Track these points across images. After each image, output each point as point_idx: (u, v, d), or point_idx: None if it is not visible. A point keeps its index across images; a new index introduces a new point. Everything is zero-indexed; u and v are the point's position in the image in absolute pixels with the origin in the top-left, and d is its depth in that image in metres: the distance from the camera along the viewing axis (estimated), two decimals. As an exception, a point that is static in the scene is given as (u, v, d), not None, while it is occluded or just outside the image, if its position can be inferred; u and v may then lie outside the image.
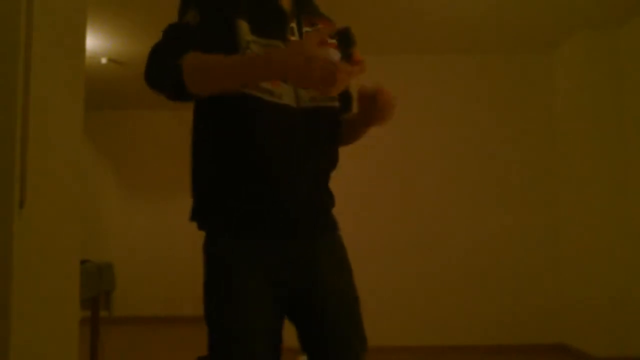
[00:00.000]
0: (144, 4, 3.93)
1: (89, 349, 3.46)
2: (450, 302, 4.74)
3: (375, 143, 4.37)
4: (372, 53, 4.38)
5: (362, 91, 1.27)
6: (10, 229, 1.72)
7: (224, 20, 1.18)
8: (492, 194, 4.85)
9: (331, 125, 1.33)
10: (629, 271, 4.18)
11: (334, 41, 1.20)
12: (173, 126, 6.90)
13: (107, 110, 6.75)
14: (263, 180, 1.22)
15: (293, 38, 1.26)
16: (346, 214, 1.41)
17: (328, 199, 1.34)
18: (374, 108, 1.26)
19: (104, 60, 5.03)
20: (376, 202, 4.78)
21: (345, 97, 1.40)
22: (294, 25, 1.28)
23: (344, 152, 1.39)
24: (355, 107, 1.39)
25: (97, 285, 3.32)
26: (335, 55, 1.06)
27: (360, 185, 4.66)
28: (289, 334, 1.31)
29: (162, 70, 1.14)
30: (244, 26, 1.18)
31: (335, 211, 1.36)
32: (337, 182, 1.46)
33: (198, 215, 1.28)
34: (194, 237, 7.10)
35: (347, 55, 1.15)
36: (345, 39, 1.15)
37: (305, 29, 1.30)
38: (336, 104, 1.33)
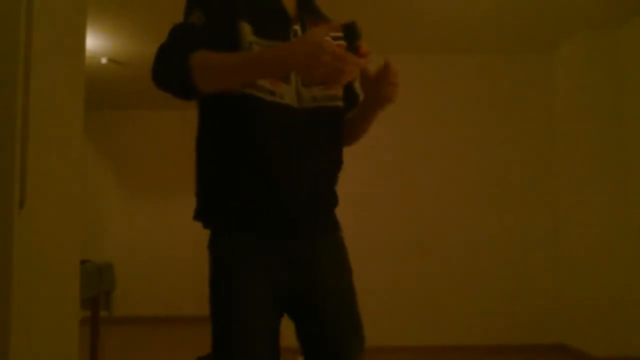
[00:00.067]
0: (144, 4, 3.93)
1: (89, 349, 3.46)
2: (450, 302, 4.74)
3: (375, 143, 4.37)
4: (372, 53, 4.36)
5: (366, 72, 1.27)
6: (10, 229, 1.72)
7: (227, 22, 1.19)
8: (492, 194, 4.85)
9: (333, 125, 1.33)
10: (629, 271, 4.18)
11: (342, 42, 1.20)
12: (173, 126, 6.91)
13: (107, 110, 6.76)
14: (263, 180, 1.22)
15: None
16: (346, 214, 1.41)
17: (330, 199, 1.34)
18: (381, 84, 1.24)
19: (104, 60, 5.03)
20: (376, 202, 4.78)
21: (350, 95, 1.41)
22: (297, 27, 1.29)
23: (344, 151, 1.39)
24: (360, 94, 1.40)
25: (97, 285, 3.32)
26: (342, 48, 1.08)
27: (360, 185, 4.66)
28: (289, 334, 1.31)
29: (170, 69, 1.15)
30: (246, 28, 1.19)
31: (336, 211, 1.37)
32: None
33: (201, 214, 1.29)
34: (193, 237, 7.13)
35: (354, 48, 1.15)
36: (351, 33, 1.15)
37: None
38: (339, 103, 1.34)
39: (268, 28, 1.22)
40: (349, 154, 1.39)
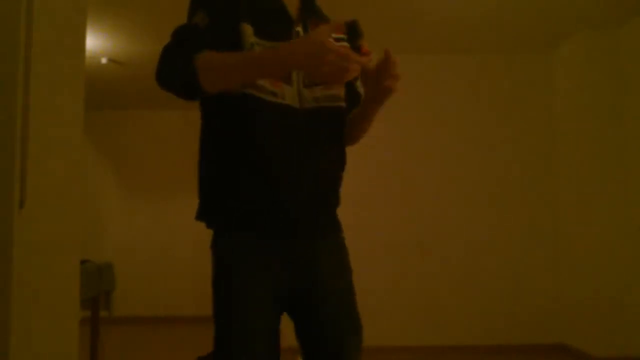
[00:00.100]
0: (144, 4, 3.93)
1: (89, 349, 3.46)
2: (450, 302, 4.74)
3: (375, 143, 4.37)
4: (372, 52, 4.36)
5: (367, 68, 1.25)
6: (10, 229, 1.72)
7: (230, 23, 1.20)
8: (492, 194, 4.85)
9: (334, 125, 1.33)
10: (629, 271, 4.18)
11: (345, 43, 1.20)
12: (173, 126, 6.91)
13: (107, 110, 6.76)
14: (263, 180, 1.22)
15: None
16: (346, 214, 1.42)
17: (330, 199, 1.34)
18: (382, 77, 1.23)
19: (104, 60, 5.03)
20: (376, 202, 4.79)
21: (353, 94, 1.41)
22: (299, 29, 1.29)
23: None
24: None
25: (97, 285, 3.32)
26: (345, 47, 1.09)
27: (360, 185, 4.66)
28: (289, 334, 1.31)
29: (174, 70, 1.17)
30: (248, 29, 1.20)
31: (336, 211, 1.36)
32: (337, 182, 1.45)
33: (202, 214, 1.30)
34: (193, 237, 7.13)
35: (356, 47, 1.16)
36: (353, 32, 1.15)
37: None
38: (341, 104, 1.34)
39: (270, 29, 1.23)
40: (349, 153, 1.39)
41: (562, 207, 4.79)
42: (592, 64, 4.47)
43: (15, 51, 1.76)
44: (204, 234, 1.34)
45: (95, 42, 4.60)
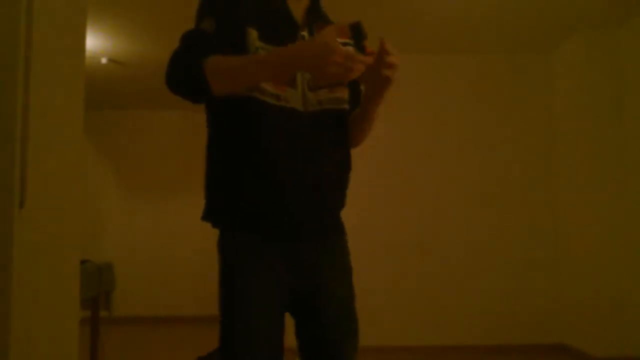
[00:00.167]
0: (144, 4, 3.93)
1: (89, 349, 3.46)
2: (450, 302, 4.74)
3: (375, 143, 4.35)
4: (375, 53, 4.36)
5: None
6: (10, 229, 1.72)
7: (236, 28, 1.23)
8: (492, 194, 4.85)
9: (338, 128, 1.34)
10: (629, 271, 4.18)
11: (350, 47, 1.21)
12: (173, 126, 6.91)
13: (107, 110, 6.76)
14: (267, 183, 1.24)
15: None
16: (346, 214, 1.42)
17: (335, 202, 1.35)
18: (380, 67, 1.22)
19: (104, 60, 5.03)
20: (376, 202, 4.78)
21: (357, 95, 1.42)
22: (305, 33, 1.31)
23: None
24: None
25: (97, 285, 3.32)
26: (350, 48, 1.12)
27: (360, 185, 4.65)
28: (289, 334, 1.32)
29: (183, 74, 1.19)
30: (253, 33, 1.23)
31: (336, 211, 1.37)
32: (337, 182, 1.45)
33: (208, 215, 1.32)
34: (193, 237, 7.11)
35: (360, 48, 1.17)
36: (357, 33, 1.17)
37: None
38: (345, 106, 1.35)
39: (275, 34, 1.25)
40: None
41: (562, 207, 4.79)
42: (592, 64, 4.47)
43: (15, 51, 1.76)
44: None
45: (95, 42, 4.60)
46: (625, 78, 4.35)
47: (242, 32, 1.22)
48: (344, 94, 1.35)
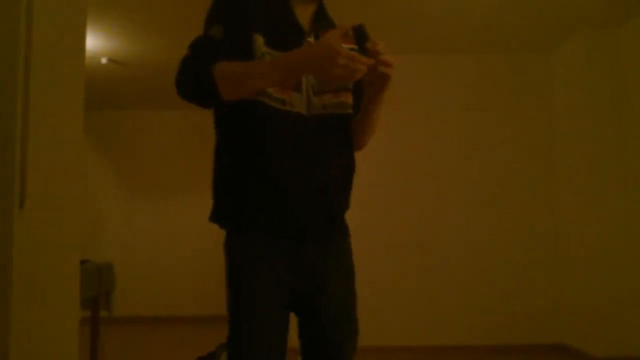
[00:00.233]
0: (144, 4, 3.93)
1: (89, 349, 3.46)
2: (450, 302, 4.74)
3: (375, 143, 4.34)
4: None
5: None
6: (10, 229, 1.72)
7: (243, 35, 1.26)
8: (492, 194, 4.85)
9: (343, 131, 1.37)
10: (629, 271, 4.18)
11: (356, 52, 1.22)
12: (173, 126, 6.91)
13: (107, 110, 6.76)
14: (273, 187, 1.26)
15: None
16: (347, 214, 1.43)
17: (340, 204, 1.37)
18: (377, 67, 1.23)
19: (104, 60, 5.03)
20: (376, 201, 4.78)
21: (359, 94, 1.43)
22: (311, 39, 1.33)
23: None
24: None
25: (97, 285, 3.32)
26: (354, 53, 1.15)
27: (360, 186, 4.64)
28: (292, 334, 1.34)
29: (193, 80, 1.22)
30: (259, 39, 1.26)
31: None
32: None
33: (215, 216, 1.34)
34: (193, 237, 7.09)
35: (363, 50, 1.19)
36: (360, 35, 1.19)
37: None
38: (349, 111, 1.38)
39: (281, 40, 1.27)
40: (349, 154, 1.40)
41: (562, 207, 4.79)
42: (592, 64, 4.47)
43: (15, 51, 1.76)
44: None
45: (95, 42, 4.60)
46: (625, 78, 4.35)
47: (248, 38, 1.25)
48: (348, 98, 1.37)
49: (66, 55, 2.19)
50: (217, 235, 1.32)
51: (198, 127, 6.56)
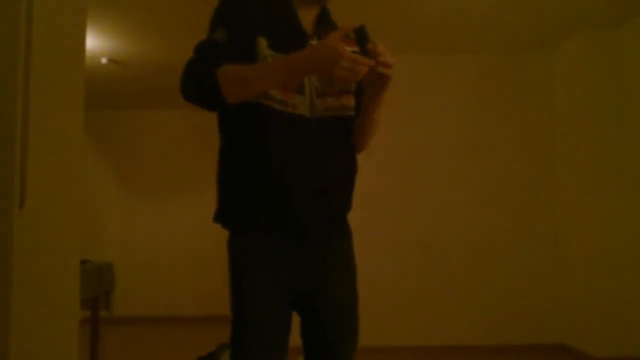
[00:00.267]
0: (144, 4, 3.93)
1: (89, 349, 3.46)
2: (450, 302, 4.74)
3: (375, 143, 4.36)
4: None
5: None
6: (10, 229, 1.72)
7: (246, 38, 1.28)
8: (492, 194, 4.85)
9: (344, 132, 1.38)
10: (629, 271, 4.18)
11: (358, 55, 1.22)
12: (173, 126, 6.91)
13: (107, 110, 6.76)
14: (274, 188, 1.27)
15: None
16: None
17: (342, 205, 1.38)
18: (377, 67, 1.24)
19: (104, 60, 5.03)
20: (376, 202, 4.78)
21: (361, 96, 1.44)
22: (314, 42, 1.34)
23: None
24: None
25: (97, 285, 3.32)
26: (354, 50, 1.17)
27: (360, 186, 4.64)
28: (294, 333, 1.35)
29: (197, 83, 1.24)
30: (262, 42, 1.28)
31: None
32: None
33: (218, 216, 1.36)
34: (193, 237, 7.08)
35: (364, 52, 1.20)
36: (362, 36, 1.20)
37: None
38: (351, 113, 1.39)
39: (284, 42, 1.29)
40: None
41: (562, 207, 4.79)
42: (592, 64, 4.47)
43: (15, 51, 1.76)
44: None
45: (95, 42, 4.60)
46: (625, 78, 4.35)
47: (252, 41, 1.27)
48: (350, 101, 1.39)
49: (66, 55, 2.19)
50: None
51: (198, 127, 6.56)
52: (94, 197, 6.69)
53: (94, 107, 6.04)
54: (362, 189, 5.37)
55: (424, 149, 4.90)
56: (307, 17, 1.36)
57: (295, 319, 1.35)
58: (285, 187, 1.27)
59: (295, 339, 1.39)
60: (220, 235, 1.38)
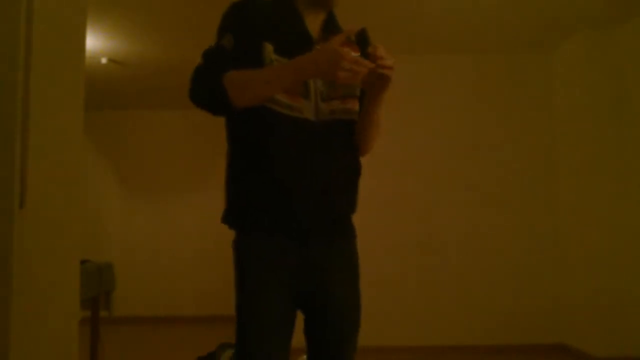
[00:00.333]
0: (144, 4, 3.93)
1: (89, 349, 3.46)
2: (451, 302, 4.74)
3: (375, 143, 4.37)
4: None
5: None
6: (10, 229, 1.72)
7: (253, 44, 1.30)
8: (492, 194, 4.85)
9: (347, 134, 1.40)
10: (629, 271, 4.18)
11: (358, 54, 1.23)
12: (173, 126, 6.90)
13: (107, 110, 6.76)
14: (276, 190, 1.29)
15: None
16: (346, 214, 1.44)
17: (344, 206, 1.39)
18: (377, 69, 1.25)
19: (104, 60, 5.03)
20: (376, 201, 4.78)
21: (363, 98, 1.44)
22: (319, 47, 1.34)
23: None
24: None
25: (97, 285, 3.32)
26: (355, 53, 1.20)
27: (360, 185, 4.65)
28: (297, 333, 1.35)
29: (205, 89, 1.28)
30: (268, 47, 1.30)
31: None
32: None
33: (225, 217, 1.38)
34: (193, 237, 7.08)
35: (366, 55, 1.22)
36: (363, 39, 1.23)
37: None
38: (355, 117, 1.41)
39: (290, 47, 1.31)
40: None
41: (562, 207, 4.79)
42: (592, 64, 4.47)
43: (15, 51, 1.76)
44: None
45: (95, 42, 4.60)
46: (625, 78, 4.35)
47: (258, 47, 1.29)
48: (355, 105, 1.40)
49: (66, 55, 2.19)
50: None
51: (198, 127, 6.56)
52: (94, 197, 6.69)
53: (94, 107, 6.04)
54: (362, 189, 5.36)
55: (424, 149, 4.90)
56: (313, 22, 1.38)
57: (300, 319, 1.37)
58: (288, 189, 1.29)
59: (298, 338, 1.40)
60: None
